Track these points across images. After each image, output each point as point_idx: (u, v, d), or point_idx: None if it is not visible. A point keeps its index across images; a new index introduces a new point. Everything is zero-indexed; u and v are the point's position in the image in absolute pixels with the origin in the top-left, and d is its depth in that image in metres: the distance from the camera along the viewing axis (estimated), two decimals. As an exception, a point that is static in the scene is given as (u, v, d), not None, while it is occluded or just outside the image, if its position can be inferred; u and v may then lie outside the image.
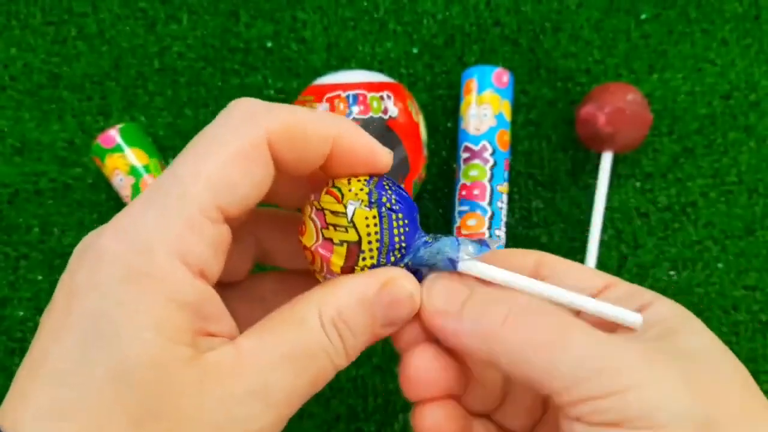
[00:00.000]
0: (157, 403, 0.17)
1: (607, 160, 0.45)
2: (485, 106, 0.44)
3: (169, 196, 0.19)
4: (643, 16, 0.49)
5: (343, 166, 0.22)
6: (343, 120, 0.22)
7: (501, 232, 0.44)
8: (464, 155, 0.44)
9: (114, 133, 0.43)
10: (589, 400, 0.18)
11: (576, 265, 0.23)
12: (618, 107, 0.43)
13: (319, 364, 0.19)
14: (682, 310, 0.21)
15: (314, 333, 0.19)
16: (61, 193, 0.47)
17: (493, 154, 0.44)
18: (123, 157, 0.43)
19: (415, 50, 0.49)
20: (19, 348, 0.45)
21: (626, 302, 0.21)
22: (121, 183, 0.43)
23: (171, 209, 0.19)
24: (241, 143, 0.19)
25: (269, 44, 0.49)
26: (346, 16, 0.49)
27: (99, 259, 0.18)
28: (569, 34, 0.49)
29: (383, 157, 0.22)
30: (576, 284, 0.22)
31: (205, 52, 0.49)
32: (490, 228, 0.43)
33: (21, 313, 0.46)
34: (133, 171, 0.43)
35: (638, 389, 0.18)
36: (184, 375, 0.17)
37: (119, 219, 0.19)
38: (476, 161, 0.44)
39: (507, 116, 0.45)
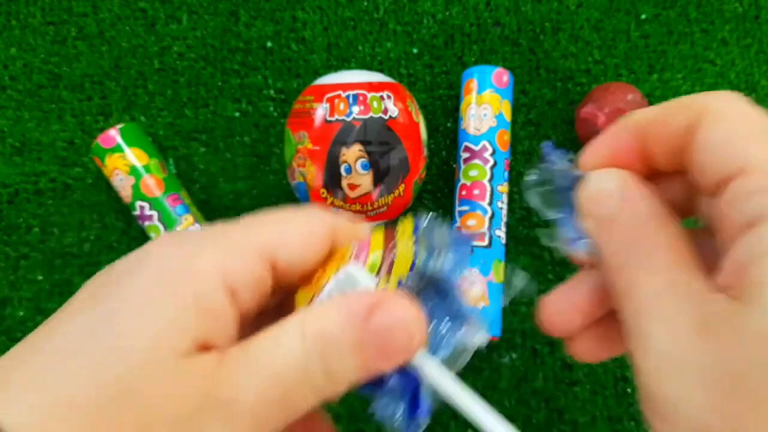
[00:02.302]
0: (133, 386, 0.17)
1: (607, 160, 0.45)
2: (485, 106, 0.44)
3: (230, 227, 0.20)
4: (643, 16, 0.49)
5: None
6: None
7: (501, 232, 0.44)
8: (464, 155, 0.44)
9: (114, 133, 0.43)
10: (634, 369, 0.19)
11: (734, 129, 0.18)
12: (618, 107, 0.43)
13: (294, 381, 0.18)
14: None
15: (291, 346, 0.18)
16: (61, 193, 0.47)
17: (493, 154, 0.44)
18: (123, 157, 0.43)
19: (415, 50, 0.49)
20: (19, 348, 0.45)
21: (744, 204, 0.17)
22: (121, 183, 0.43)
23: (228, 235, 0.20)
24: (314, 223, 0.21)
25: (269, 44, 0.49)
26: (346, 16, 0.49)
27: (141, 257, 0.19)
28: (569, 35, 0.49)
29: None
30: (713, 163, 0.18)
31: (205, 52, 0.49)
32: (490, 228, 0.43)
33: (21, 313, 0.46)
34: (133, 171, 0.43)
35: (654, 375, 0.17)
36: (169, 369, 0.17)
37: (180, 231, 0.20)
38: (476, 161, 0.44)
39: (507, 116, 0.45)
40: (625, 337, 0.19)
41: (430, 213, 0.22)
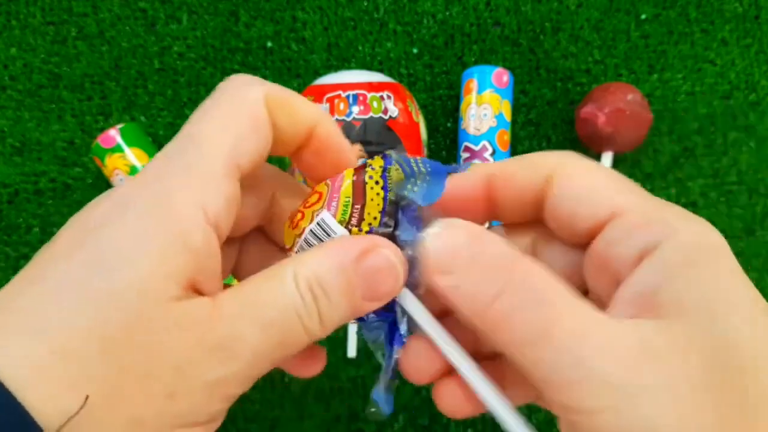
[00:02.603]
0: (130, 333, 0.17)
1: (607, 160, 0.45)
2: (485, 106, 0.44)
3: (189, 154, 0.20)
4: (643, 16, 0.49)
5: (316, 154, 0.23)
6: (324, 111, 0.23)
7: (501, 231, 0.44)
8: (464, 155, 0.44)
9: (114, 133, 0.43)
10: (563, 409, 0.18)
11: (592, 181, 0.20)
12: (618, 107, 0.43)
13: (289, 322, 0.19)
14: (706, 252, 0.17)
15: (286, 290, 0.19)
16: (61, 193, 0.47)
17: (493, 154, 0.44)
18: (123, 157, 0.43)
19: (415, 50, 0.49)
20: (19, 348, 0.45)
21: (629, 239, 0.18)
22: (121, 183, 0.43)
23: (193, 166, 0.19)
24: (246, 104, 0.21)
25: (269, 44, 0.49)
26: (346, 16, 0.49)
27: (120, 201, 0.19)
28: (569, 35, 0.49)
29: (351, 153, 0.24)
30: (581, 211, 0.19)
31: (205, 52, 0.49)
32: (489, 228, 0.43)
33: (21, 313, 0.46)
34: (133, 171, 0.43)
35: (616, 412, 0.16)
36: (164, 314, 0.17)
37: (142, 173, 0.20)
38: (476, 161, 0.44)
39: (507, 116, 0.45)
40: (538, 385, 0.18)
41: (398, 149, 0.23)
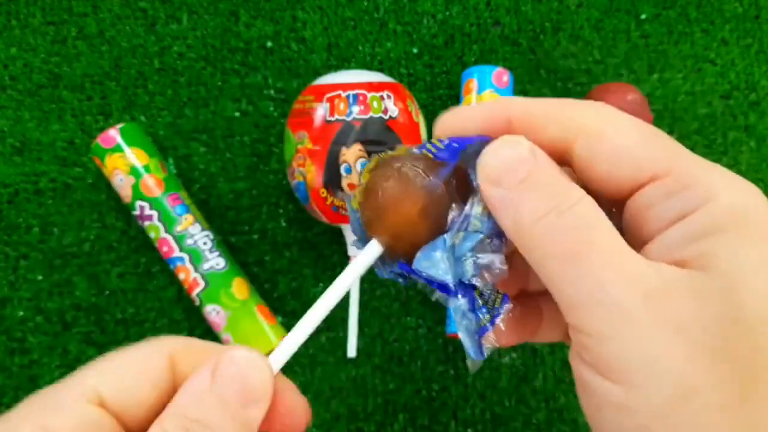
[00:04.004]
0: None
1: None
2: (485, 106, 0.44)
3: (51, 388, 0.19)
4: (643, 16, 0.49)
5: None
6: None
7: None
8: (464, 155, 0.44)
9: (114, 133, 0.43)
10: (576, 331, 0.18)
11: (629, 141, 0.20)
12: (618, 107, 0.43)
13: None
14: (743, 218, 0.18)
15: None
16: (61, 193, 0.47)
17: (493, 154, 0.44)
18: (123, 157, 0.43)
19: (415, 50, 0.49)
20: (19, 348, 0.45)
21: (667, 202, 0.18)
22: (121, 183, 0.43)
23: (47, 400, 0.19)
24: (146, 355, 0.20)
25: (269, 44, 0.49)
26: (346, 16, 0.49)
27: None
28: (569, 34, 0.49)
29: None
30: (619, 173, 0.19)
31: (205, 52, 0.49)
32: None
33: (21, 313, 0.46)
34: (133, 171, 0.43)
35: (623, 342, 0.17)
36: None
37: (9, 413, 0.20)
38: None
39: (507, 116, 0.45)
40: (559, 303, 0.19)
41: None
